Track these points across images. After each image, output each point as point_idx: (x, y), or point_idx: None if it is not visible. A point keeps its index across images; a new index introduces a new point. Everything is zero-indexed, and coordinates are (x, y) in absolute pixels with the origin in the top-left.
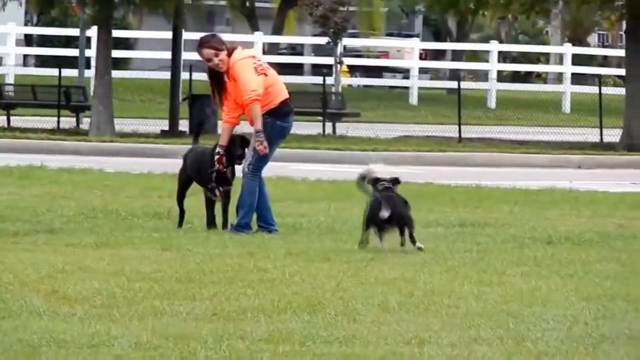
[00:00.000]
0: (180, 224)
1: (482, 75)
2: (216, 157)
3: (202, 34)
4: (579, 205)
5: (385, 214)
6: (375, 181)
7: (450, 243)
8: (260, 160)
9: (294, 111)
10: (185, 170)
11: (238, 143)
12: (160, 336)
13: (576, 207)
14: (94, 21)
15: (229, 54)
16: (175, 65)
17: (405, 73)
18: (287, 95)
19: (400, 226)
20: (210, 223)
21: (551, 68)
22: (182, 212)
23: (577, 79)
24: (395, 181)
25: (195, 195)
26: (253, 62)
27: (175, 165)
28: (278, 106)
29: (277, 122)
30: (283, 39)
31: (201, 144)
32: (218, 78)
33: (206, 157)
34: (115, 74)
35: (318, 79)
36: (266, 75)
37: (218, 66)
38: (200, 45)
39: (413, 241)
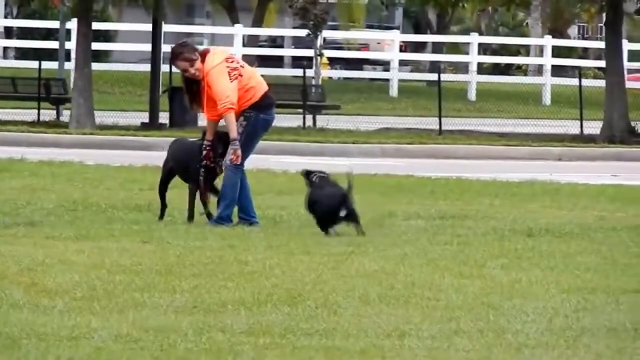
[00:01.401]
0: (161, 216)
1: (463, 68)
2: (204, 152)
3: (182, 26)
4: (560, 198)
5: (342, 213)
6: (308, 173)
7: (431, 235)
8: (244, 154)
9: (275, 103)
10: (169, 162)
11: (221, 140)
12: (140, 329)
13: (557, 200)
14: (73, 13)
15: (203, 60)
16: (155, 57)
17: (385, 65)
18: (267, 88)
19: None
20: (192, 217)
21: (531, 60)
22: (163, 204)
23: (557, 71)
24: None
25: (178, 188)
26: (227, 65)
27: (155, 157)
28: (260, 99)
29: (260, 115)
30: (263, 31)
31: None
32: (195, 84)
33: (195, 150)
34: (95, 66)
35: (298, 72)
36: (241, 75)
37: (195, 75)
38: (174, 57)
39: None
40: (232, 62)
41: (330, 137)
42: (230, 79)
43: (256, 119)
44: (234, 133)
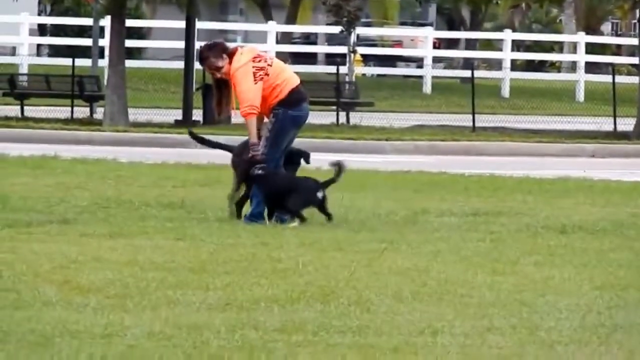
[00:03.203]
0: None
1: (496, 64)
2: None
3: (216, 23)
4: (593, 194)
5: (320, 195)
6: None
7: (464, 232)
8: (273, 151)
9: (308, 99)
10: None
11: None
12: (173, 326)
13: (590, 196)
14: (107, 11)
15: (231, 60)
16: (188, 54)
17: (418, 62)
18: (296, 83)
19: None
20: (237, 214)
21: (565, 57)
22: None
23: (590, 67)
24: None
25: (209, 186)
26: (253, 65)
27: (188, 155)
28: (287, 96)
29: (288, 111)
30: (296, 28)
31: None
32: (224, 83)
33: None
34: (129, 63)
35: (332, 69)
36: (268, 74)
37: (223, 77)
38: (201, 61)
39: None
40: (259, 61)
41: (363, 134)
42: (255, 80)
43: (284, 115)
44: (253, 138)
